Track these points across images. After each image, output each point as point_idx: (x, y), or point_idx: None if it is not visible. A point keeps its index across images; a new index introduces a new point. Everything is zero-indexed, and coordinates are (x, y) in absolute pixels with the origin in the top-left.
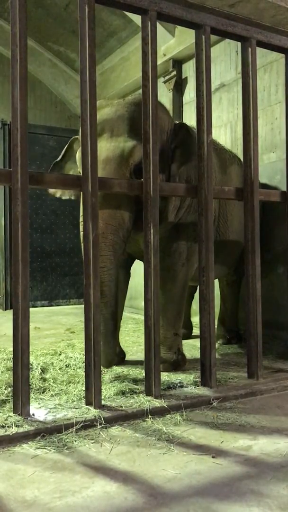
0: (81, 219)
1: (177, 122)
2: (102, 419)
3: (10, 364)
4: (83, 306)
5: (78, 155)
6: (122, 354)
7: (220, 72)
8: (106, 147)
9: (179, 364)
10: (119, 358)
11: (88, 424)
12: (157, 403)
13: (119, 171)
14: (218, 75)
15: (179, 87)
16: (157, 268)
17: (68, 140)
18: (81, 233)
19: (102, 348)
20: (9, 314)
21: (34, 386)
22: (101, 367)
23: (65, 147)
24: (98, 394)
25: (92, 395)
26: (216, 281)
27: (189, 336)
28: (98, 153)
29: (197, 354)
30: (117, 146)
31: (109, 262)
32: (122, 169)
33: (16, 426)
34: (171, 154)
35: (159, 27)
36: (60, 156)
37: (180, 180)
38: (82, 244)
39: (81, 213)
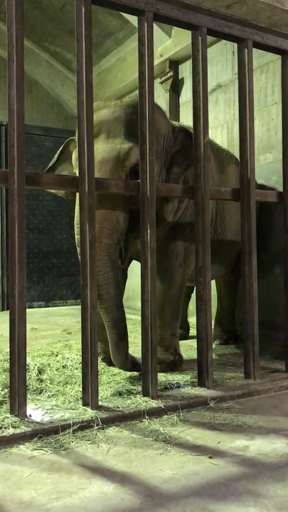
0: (76, 221)
1: (177, 125)
2: (99, 420)
3: (6, 365)
4: (80, 306)
5: (75, 156)
6: None
7: (216, 73)
8: (102, 149)
9: (176, 364)
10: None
11: (85, 425)
12: (154, 403)
13: (114, 172)
14: (214, 76)
15: (175, 88)
16: (154, 268)
17: (65, 141)
18: (76, 236)
19: (111, 354)
20: (6, 315)
21: (31, 387)
22: (98, 368)
23: (60, 149)
24: (95, 395)
25: (89, 396)
26: (213, 282)
27: (186, 336)
28: (94, 154)
29: (194, 354)
30: (113, 148)
31: (105, 266)
32: (118, 171)
33: (13, 427)
34: (171, 157)
35: (156, 28)
36: (55, 159)
37: (181, 183)
38: (78, 248)
39: (76, 216)
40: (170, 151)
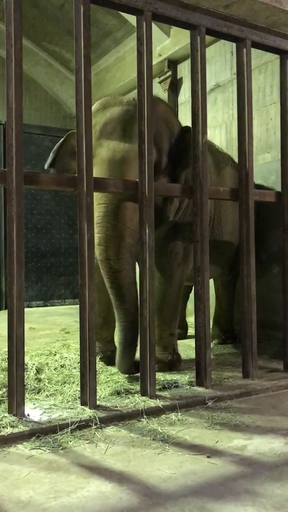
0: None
1: (184, 125)
2: (97, 419)
3: (5, 364)
4: (78, 306)
5: None
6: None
7: (215, 73)
8: (119, 148)
9: (174, 364)
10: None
11: (83, 425)
12: (152, 403)
13: (134, 172)
14: (213, 76)
15: (174, 88)
16: (152, 268)
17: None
18: (97, 235)
19: (117, 358)
20: (4, 314)
21: (29, 386)
22: (96, 367)
23: (60, 142)
24: (93, 395)
25: (87, 396)
26: (211, 281)
27: (184, 336)
28: (112, 154)
29: (192, 354)
30: (132, 149)
31: (127, 265)
32: (137, 171)
33: (11, 426)
34: (178, 157)
35: (154, 28)
36: (54, 152)
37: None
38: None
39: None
40: (179, 150)
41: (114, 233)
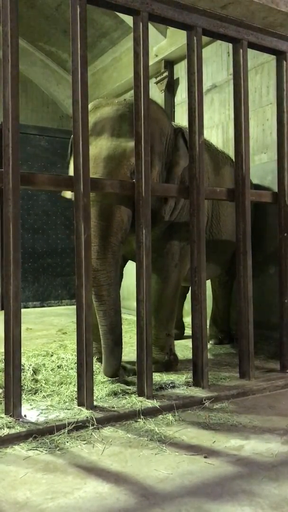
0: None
1: (176, 125)
2: (94, 420)
3: (1, 365)
4: (75, 306)
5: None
6: None
7: (211, 73)
8: (107, 146)
9: (171, 364)
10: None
11: (80, 425)
12: (149, 403)
13: (120, 170)
14: (209, 76)
15: (171, 88)
16: (149, 268)
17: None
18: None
19: (103, 362)
20: (1, 315)
21: (26, 387)
22: (93, 368)
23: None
24: (90, 395)
25: (84, 396)
26: (208, 282)
27: (181, 336)
28: (99, 151)
29: (189, 354)
30: (119, 145)
31: (109, 265)
32: (124, 169)
33: (7, 427)
34: (171, 158)
35: (151, 28)
36: (68, 155)
37: (180, 183)
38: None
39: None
40: (172, 151)
41: (97, 232)
